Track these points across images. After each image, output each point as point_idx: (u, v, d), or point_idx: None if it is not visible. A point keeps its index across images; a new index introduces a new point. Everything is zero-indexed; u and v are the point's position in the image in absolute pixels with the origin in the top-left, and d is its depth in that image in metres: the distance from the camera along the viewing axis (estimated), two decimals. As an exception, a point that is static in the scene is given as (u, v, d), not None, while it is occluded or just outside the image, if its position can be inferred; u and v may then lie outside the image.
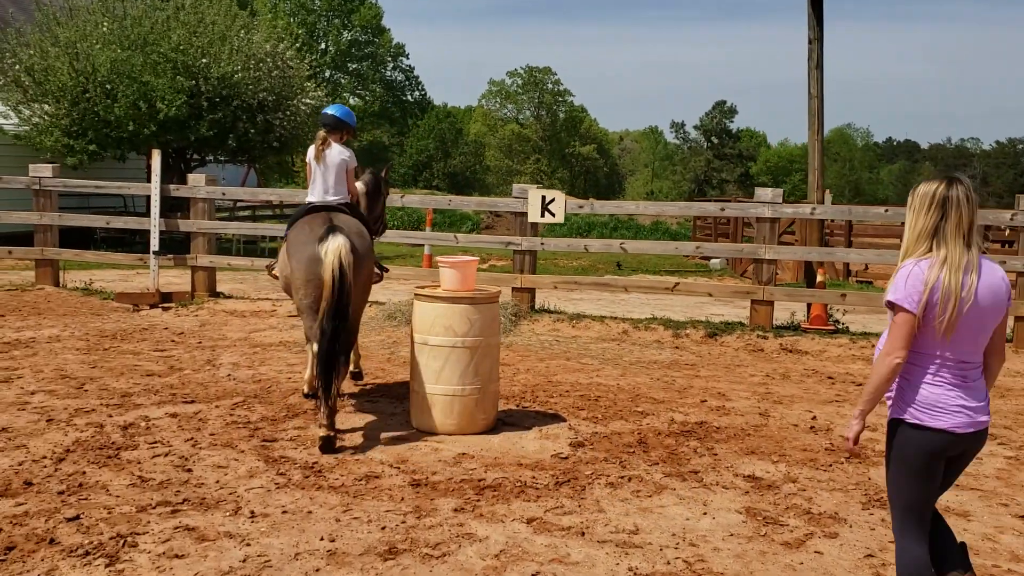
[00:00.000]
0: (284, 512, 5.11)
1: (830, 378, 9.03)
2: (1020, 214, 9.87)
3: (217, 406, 7.38)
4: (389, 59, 74.81)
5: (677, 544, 4.76)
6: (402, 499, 5.34)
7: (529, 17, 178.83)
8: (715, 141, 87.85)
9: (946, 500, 5.30)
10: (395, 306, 11.63)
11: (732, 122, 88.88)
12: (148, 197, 13.22)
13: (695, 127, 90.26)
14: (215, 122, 20.56)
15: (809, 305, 11.15)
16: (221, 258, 13.55)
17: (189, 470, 5.79)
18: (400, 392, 7.96)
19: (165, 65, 20.05)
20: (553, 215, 11.20)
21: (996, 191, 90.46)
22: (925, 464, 3.40)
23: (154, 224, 13.00)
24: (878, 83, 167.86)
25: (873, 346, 10.22)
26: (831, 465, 6.17)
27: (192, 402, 7.50)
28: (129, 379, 8.24)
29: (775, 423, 7.21)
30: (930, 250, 3.39)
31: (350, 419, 7.08)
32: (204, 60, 20.37)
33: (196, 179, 13.10)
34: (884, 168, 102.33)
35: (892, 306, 3.42)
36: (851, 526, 5.08)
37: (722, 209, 11.55)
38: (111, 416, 6.97)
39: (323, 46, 68.49)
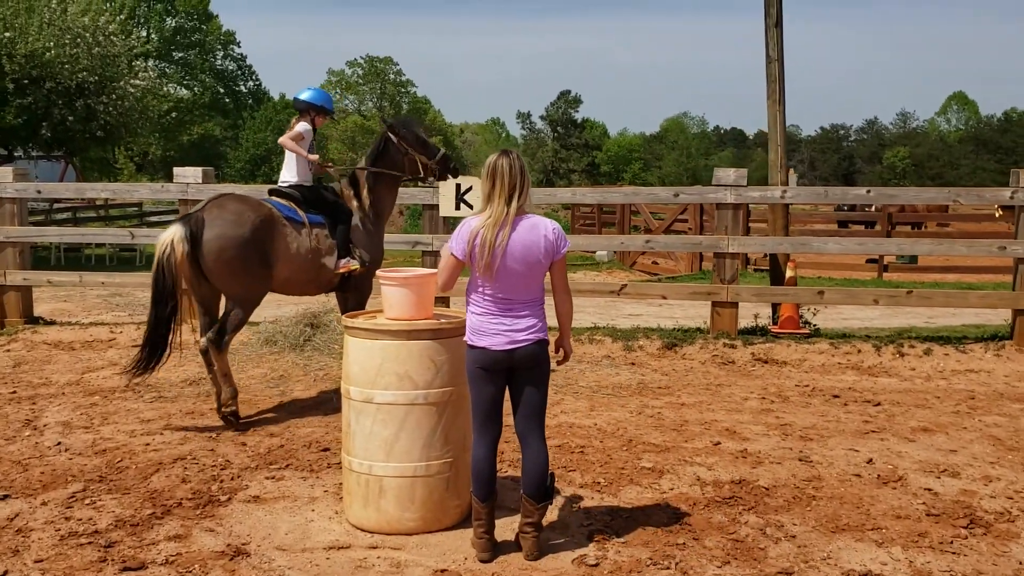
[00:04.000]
0: None
1: (836, 396, 7.42)
2: (1020, 191, 8.57)
3: (44, 502, 4.97)
4: (219, 47, 70.19)
5: None
6: None
7: (366, 6, 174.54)
8: (561, 131, 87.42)
9: None
10: (274, 328, 9.25)
11: (577, 112, 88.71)
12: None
13: (541, 117, 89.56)
14: (24, 108, 17.21)
15: (775, 305, 9.58)
16: (38, 274, 10.72)
17: (0, 649, 3.45)
18: (312, 460, 5.73)
19: (-43, 40, 16.64)
20: (471, 207, 9.14)
21: (823, 174, 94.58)
22: (478, 374, 4.22)
23: (-54, 233, 10.05)
24: (705, 71, 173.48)
25: (858, 351, 8.73)
26: (952, 541, 4.46)
27: (5, 498, 5.05)
28: (-95, 462, 5.65)
29: (828, 473, 5.47)
30: (484, 210, 4.16)
31: (249, 512, 4.83)
32: (7, 34, 17.01)
33: (1, 173, 10.24)
34: (716, 155, 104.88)
35: (450, 252, 4.19)
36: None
37: (676, 195, 9.83)
38: None
39: (145, 33, 63.17)
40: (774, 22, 9.29)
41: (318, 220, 7.02)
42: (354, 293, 7.37)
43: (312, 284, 7.11)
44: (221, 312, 6.67)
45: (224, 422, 6.45)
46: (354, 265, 7.07)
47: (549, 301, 4.27)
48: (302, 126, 7.18)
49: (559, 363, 4.45)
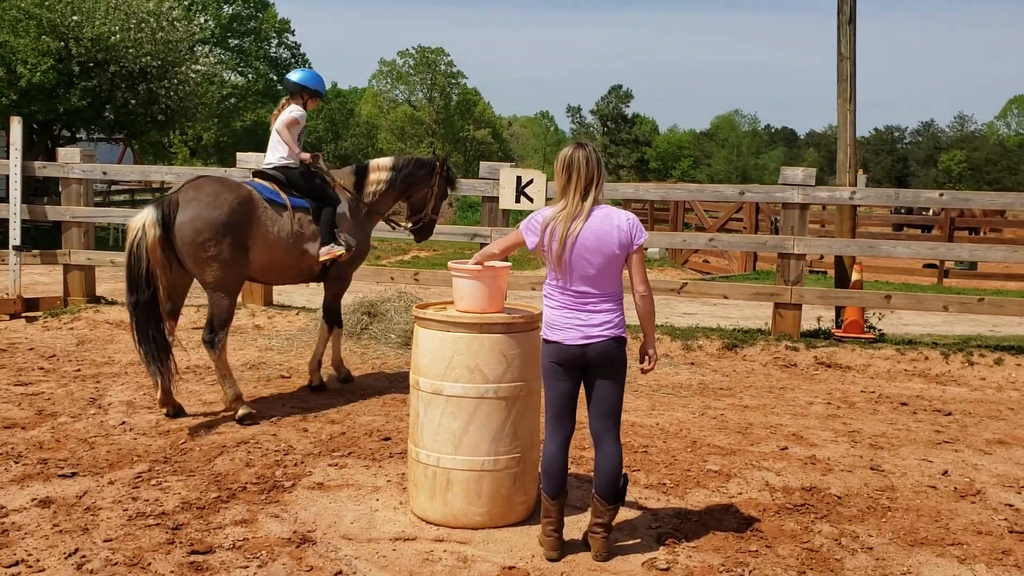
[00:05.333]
0: None
1: (904, 404, 7.24)
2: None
3: (111, 481, 5.00)
4: (273, 35, 70.82)
5: None
6: None
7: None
8: (611, 126, 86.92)
9: None
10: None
11: (628, 107, 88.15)
12: (7, 178, 10.43)
13: (591, 112, 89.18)
14: (88, 91, 17.43)
15: (839, 309, 9.37)
16: (101, 254, 10.87)
17: (74, 628, 3.46)
18: (374, 449, 5.71)
19: (27, 23, 16.86)
20: (531, 200, 9.05)
21: (875, 176, 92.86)
22: (552, 368, 4.15)
23: (14, 211, 10.23)
24: (761, 70, 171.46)
25: (925, 358, 8.51)
26: (1038, 561, 4.29)
27: (73, 475, 5.09)
28: (-24, 436, 5.74)
29: (902, 484, 5.31)
30: (559, 202, 4.10)
31: (314, 499, 4.81)
32: (75, 18, 17.22)
33: (68, 154, 10.39)
34: (766, 154, 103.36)
35: (522, 235, 4.18)
36: None
37: (741, 194, 9.68)
38: (-56, 510, 4.53)
39: (203, 20, 63.89)
40: (847, 19, 9.07)
41: (302, 204, 6.76)
42: (335, 283, 7.13)
43: (292, 271, 6.85)
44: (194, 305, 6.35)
45: (239, 423, 6.15)
46: (339, 251, 6.78)
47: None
48: (297, 111, 6.90)
49: (645, 370, 4.27)
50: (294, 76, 7.05)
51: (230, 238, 6.19)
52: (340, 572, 3.97)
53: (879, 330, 9.22)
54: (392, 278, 10.12)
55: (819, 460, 5.68)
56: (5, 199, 10.66)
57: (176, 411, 6.34)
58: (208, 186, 6.31)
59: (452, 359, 4.41)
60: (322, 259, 6.78)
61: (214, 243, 6.12)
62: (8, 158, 10.30)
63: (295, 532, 4.37)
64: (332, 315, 7.26)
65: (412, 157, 7.48)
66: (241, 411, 6.20)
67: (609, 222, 4.03)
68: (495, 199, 9.31)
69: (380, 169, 7.27)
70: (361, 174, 7.24)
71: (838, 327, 9.23)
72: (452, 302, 4.72)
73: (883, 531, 4.59)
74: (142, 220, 6.04)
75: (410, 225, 7.60)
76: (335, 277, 7.10)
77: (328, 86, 78.09)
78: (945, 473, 5.51)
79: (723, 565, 4.12)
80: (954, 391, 7.80)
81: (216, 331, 6.28)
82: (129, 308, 6.12)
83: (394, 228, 7.89)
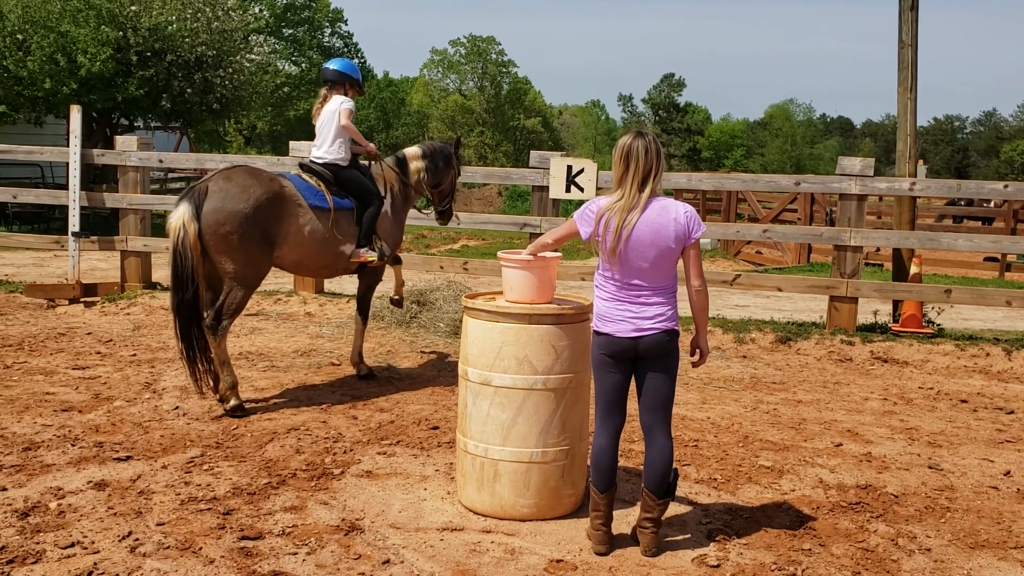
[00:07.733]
0: None
1: (964, 401, 7.05)
2: None
3: (164, 466, 5.07)
4: (327, 25, 71.41)
5: None
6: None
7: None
8: (662, 115, 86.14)
9: None
10: (381, 303, 9.30)
11: (680, 96, 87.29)
12: (67, 165, 10.63)
13: (643, 100, 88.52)
14: (146, 80, 17.69)
15: (896, 303, 9.16)
16: (158, 240, 11.00)
17: (127, 611, 3.50)
18: (422, 438, 5.71)
19: (87, 13, 17.14)
20: (582, 190, 9.01)
21: (934, 167, 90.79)
22: (602, 360, 4.11)
23: (73, 198, 10.44)
24: (816, 59, 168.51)
25: (987, 354, 8.28)
26: (1106, 567, 4.14)
27: (128, 459, 5.17)
28: (36, 417, 5.86)
29: (961, 484, 5.17)
30: (616, 191, 4.04)
31: (363, 487, 4.82)
32: (133, 8, 17.47)
33: (126, 142, 10.55)
34: (821, 144, 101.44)
35: (576, 225, 4.12)
36: None
37: (798, 184, 9.49)
38: (4, 490, 4.63)
39: (257, 9, 64.53)
40: (909, 5, 8.83)
41: (346, 204, 6.69)
42: (368, 275, 7.14)
43: (326, 270, 6.94)
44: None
45: (227, 414, 6.05)
46: (371, 256, 6.74)
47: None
48: (350, 102, 6.75)
49: (695, 364, 4.21)
50: (335, 65, 6.90)
51: (253, 233, 6.09)
52: (388, 561, 3.98)
53: (938, 325, 8.99)
54: (441, 267, 10.13)
55: (875, 457, 5.55)
56: (65, 186, 10.87)
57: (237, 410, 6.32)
58: (239, 177, 6.20)
59: (501, 350, 4.38)
60: (352, 260, 6.78)
61: (236, 235, 6.03)
62: (68, 146, 10.50)
63: (343, 520, 4.39)
64: (365, 306, 7.28)
65: (434, 144, 7.43)
66: (232, 402, 6.07)
67: (666, 215, 3.95)
68: (545, 188, 9.25)
69: (415, 158, 7.30)
70: (403, 165, 7.27)
71: (895, 321, 9.02)
72: (501, 292, 4.69)
73: (942, 532, 4.47)
74: (180, 218, 5.96)
75: (437, 213, 7.72)
76: (370, 271, 7.11)
77: (379, 75, 78.51)
78: (1007, 473, 5.35)
79: (775, 563, 4.04)
80: (1017, 388, 7.58)
81: (222, 319, 6.18)
82: (173, 307, 6.10)
83: (421, 209, 8.14)
